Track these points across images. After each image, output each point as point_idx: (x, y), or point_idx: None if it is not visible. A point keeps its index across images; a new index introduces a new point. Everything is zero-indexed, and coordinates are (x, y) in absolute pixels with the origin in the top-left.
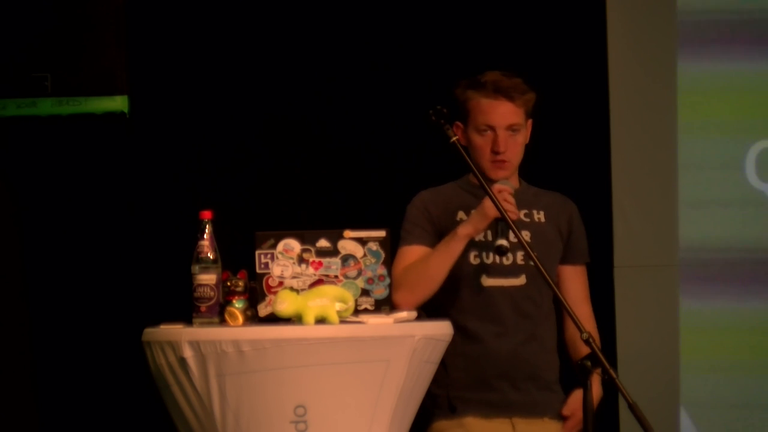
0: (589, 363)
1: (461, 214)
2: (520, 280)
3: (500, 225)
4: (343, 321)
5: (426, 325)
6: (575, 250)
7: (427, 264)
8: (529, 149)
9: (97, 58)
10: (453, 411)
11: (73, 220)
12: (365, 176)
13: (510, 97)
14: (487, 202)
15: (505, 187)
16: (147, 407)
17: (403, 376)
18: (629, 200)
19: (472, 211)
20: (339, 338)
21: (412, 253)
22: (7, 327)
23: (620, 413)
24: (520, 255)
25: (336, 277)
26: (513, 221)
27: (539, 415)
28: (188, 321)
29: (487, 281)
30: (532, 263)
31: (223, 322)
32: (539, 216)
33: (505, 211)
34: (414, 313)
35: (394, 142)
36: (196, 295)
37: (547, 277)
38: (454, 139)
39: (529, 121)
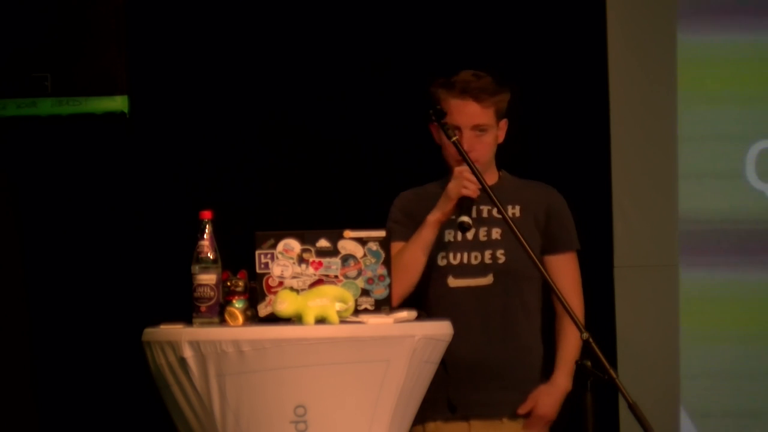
0: (589, 363)
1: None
2: (487, 280)
3: (465, 203)
4: (343, 321)
5: (426, 325)
6: (555, 239)
7: (402, 255)
8: (530, 148)
9: (97, 58)
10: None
11: (73, 220)
12: (365, 176)
13: (477, 98)
14: (450, 185)
15: (465, 168)
16: (147, 407)
17: (403, 376)
18: (629, 200)
19: (438, 201)
20: (339, 338)
21: (392, 249)
22: (7, 327)
23: (620, 413)
24: (487, 254)
25: (336, 277)
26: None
27: (497, 416)
28: (188, 321)
29: (454, 282)
30: (500, 261)
31: (223, 322)
32: (514, 211)
33: (464, 188)
34: (414, 313)
35: (394, 142)
36: (196, 295)
37: (537, 263)
38: (454, 139)
39: (503, 121)
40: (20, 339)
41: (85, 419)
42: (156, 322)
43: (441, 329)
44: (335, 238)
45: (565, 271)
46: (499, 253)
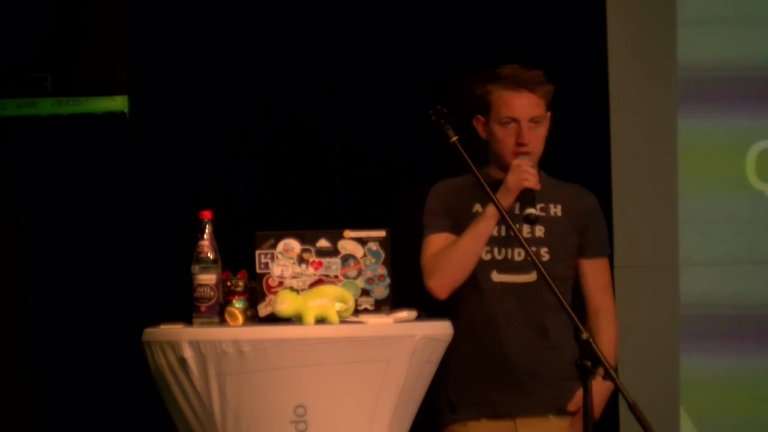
0: (589, 363)
1: (477, 206)
2: (531, 277)
3: (526, 195)
4: (343, 321)
5: (426, 325)
6: (593, 244)
7: (458, 247)
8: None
9: (97, 58)
10: (454, 411)
11: (73, 220)
12: (365, 176)
13: (531, 89)
14: (510, 177)
15: (524, 161)
16: (147, 407)
17: (403, 376)
18: (629, 200)
19: (497, 193)
20: (339, 338)
21: (437, 240)
22: (7, 327)
23: (620, 413)
24: (532, 250)
25: (336, 277)
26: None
27: (543, 413)
28: (188, 321)
29: (498, 277)
30: (544, 259)
31: (223, 322)
32: (556, 210)
33: (525, 180)
34: (414, 313)
35: (395, 141)
36: (196, 295)
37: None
38: (454, 138)
39: (549, 113)
40: (20, 339)
41: (85, 419)
42: (156, 322)
43: (441, 329)
44: (335, 238)
45: (601, 275)
46: (543, 251)
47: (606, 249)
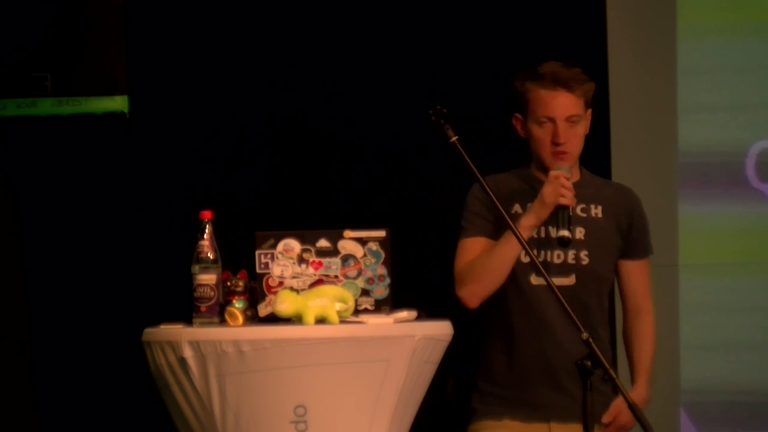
0: (589, 363)
1: (517, 207)
2: (570, 280)
3: (561, 214)
4: (343, 321)
5: (426, 325)
6: (636, 245)
7: (491, 257)
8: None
9: (97, 58)
10: (493, 408)
11: (73, 220)
12: (365, 176)
13: (569, 88)
14: (546, 190)
15: (561, 172)
16: (147, 407)
17: (403, 376)
18: None
19: (533, 204)
20: (339, 338)
21: (473, 245)
22: (7, 327)
23: None
24: (571, 254)
25: (336, 277)
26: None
27: (578, 419)
28: (188, 321)
29: (536, 280)
30: (584, 262)
31: (223, 322)
32: (596, 211)
33: (562, 196)
34: (414, 313)
35: (395, 141)
36: (196, 295)
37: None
38: (454, 139)
39: (589, 111)
40: (20, 339)
41: (85, 419)
42: (156, 322)
43: (441, 329)
44: (335, 238)
45: (642, 276)
46: (583, 254)
47: (648, 249)
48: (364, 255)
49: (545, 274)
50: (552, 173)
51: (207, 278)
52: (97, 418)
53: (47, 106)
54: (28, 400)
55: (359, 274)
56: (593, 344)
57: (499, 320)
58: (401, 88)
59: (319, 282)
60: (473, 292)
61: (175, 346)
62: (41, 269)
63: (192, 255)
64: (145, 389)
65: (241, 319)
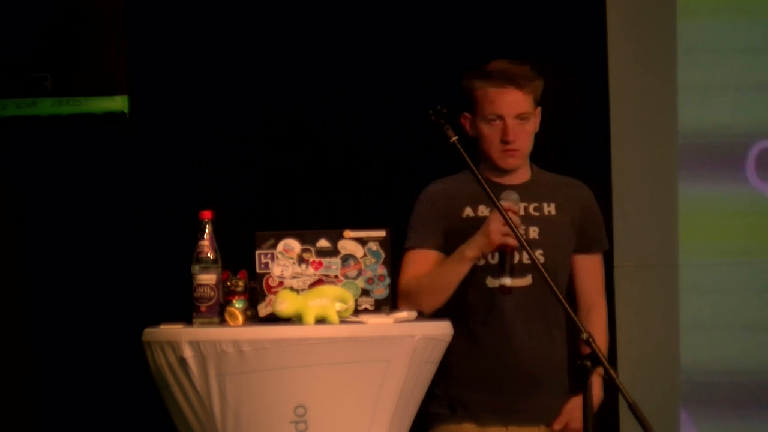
0: (589, 363)
1: (468, 210)
2: (526, 281)
3: (504, 258)
4: (343, 321)
5: (426, 325)
6: (589, 240)
7: (433, 282)
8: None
9: (97, 58)
10: (453, 411)
11: (73, 220)
12: (365, 176)
13: (518, 85)
14: (492, 227)
15: (510, 203)
16: (147, 407)
17: (403, 376)
18: (629, 200)
19: (478, 234)
20: (339, 338)
21: (421, 258)
22: (7, 327)
23: (620, 413)
24: (526, 255)
25: (336, 277)
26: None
27: (535, 422)
28: (188, 321)
29: (492, 282)
30: (540, 262)
31: (223, 322)
32: (549, 209)
33: (506, 234)
34: (414, 313)
35: (395, 141)
36: (196, 295)
37: (554, 288)
38: (454, 138)
39: (538, 109)
40: (20, 339)
41: (85, 419)
42: (156, 322)
43: (441, 329)
44: (335, 238)
45: (594, 271)
46: (538, 253)
47: (602, 244)
48: (364, 255)
49: (543, 273)
50: (504, 203)
51: (207, 278)
52: (97, 417)
53: (47, 106)
54: (29, 399)
55: (359, 274)
56: (593, 344)
57: (457, 323)
58: (401, 88)
59: (319, 282)
60: (417, 309)
61: (175, 346)
62: (41, 269)
63: (192, 255)
64: (145, 389)
65: (241, 319)
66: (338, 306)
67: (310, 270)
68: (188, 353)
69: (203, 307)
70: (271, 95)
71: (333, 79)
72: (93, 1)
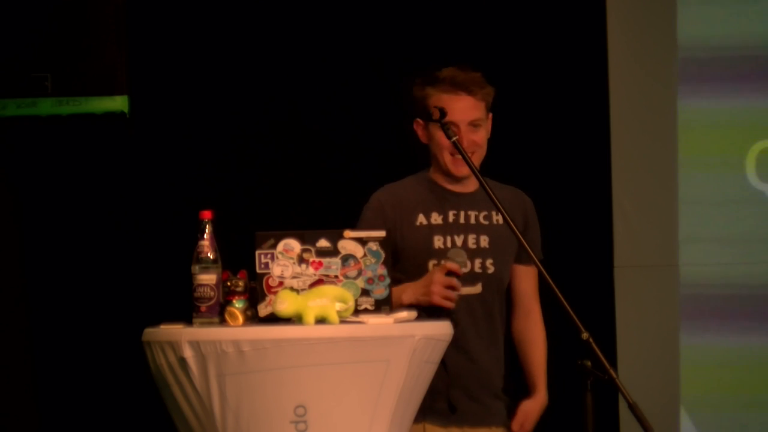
0: (589, 363)
1: (421, 217)
2: (476, 288)
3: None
4: (343, 321)
5: (426, 325)
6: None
7: None
8: (530, 148)
9: (97, 58)
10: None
11: (73, 220)
12: (365, 176)
13: (469, 92)
14: (436, 288)
15: (456, 267)
16: (147, 407)
17: (403, 376)
18: (629, 200)
19: (419, 284)
20: (339, 338)
21: None
22: (7, 327)
23: (620, 413)
24: (477, 262)
25: (336, 277)
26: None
27: (488, 424)
28: (188, 321)
29: None
30: (490, 271)
31: (223, 322)
32: (498, 218)
33: (448, 299)
34: (414, 313)
35: (395, 141)
36: (196, 295)
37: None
38: (454, 139)
39: (490, 116)
40: (20, 339)
41: (85, 419)
42: (156, 322)
43: (441, 329)
44: (335, 238)
45: (533, 279)
46: (489, 262)
47: (539, 254)
48: (364, 255)
49: (545, 272)
50: (448, 264)
51: (207, 278)
52: (97, 417)
53: (47, 106)
54: (29, 399)
55: (359, 274)
56: (593, 344)
57: None
58: (400, 88)
59: (319, 282)
60: None
61: (175, 346)
62: (41, 269)
63: (192, 255)
64: (145, 389)
65: (241, 319)
66: (338, 306)
67: (310, 270)
68: (188, 353)
69: (203, 307)
70: (271, 95)
71: (333, 79)
72: (93, 1)
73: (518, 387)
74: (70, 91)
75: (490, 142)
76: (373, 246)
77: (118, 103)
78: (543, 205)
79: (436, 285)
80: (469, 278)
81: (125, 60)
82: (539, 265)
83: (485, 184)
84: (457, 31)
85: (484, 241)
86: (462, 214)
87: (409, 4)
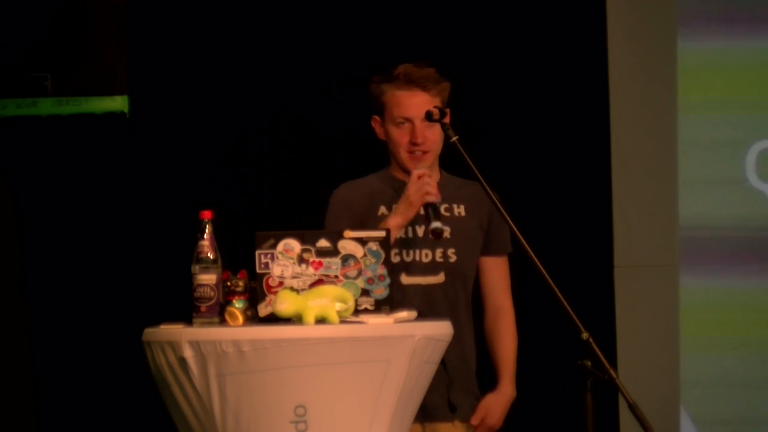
0: (589, 363)
1: (383, 209)
2: (439, 278)
3: (430, 208)
4: (343, 321)
5: (426, 325)
6: (495, 241)
7: None
8: (531, 148)
9: (97, 58)
10: None
11: (73, 220)
12: (365, 176)
13: (424, 87)
14: (411, 190)
15: (424, 170)
16: (147, 407)
17: (403, 376)
18: (629, 200)
19: (399, 203)
20: (339, 338)
21: None
22: (7, 327)
23: (620, 413)
24: (438, 252)
25: (336, 277)
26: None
27: (448, 418)
28: (188, 321)
29: (407, 279)
30: (452, 260)
31: (223, 322)
32: (459, 210)
33: (427, 194)
34: (414, 313)
35: None
36: (196, 295)
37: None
38: (455, 138)
39: (447, 111)
40: (20, 339)
41: (85, 419)
42: (156, 322)
43: (441, 329)
44: (335, 238)
45: (501, 273)
46: (450, 252)
47: (507, 247)
48: (364, 255)
49: (545, 272)
50: (415, 172)
51: (207, 278)
52: (98, 417)
53: (47, 106)
54: (29, 399)
55: (359, 274)
56: (593, 344)
57: None
58: None
59: (319, 282)
60: None
61: (175, 346)
62: (41, 269)
63: (192, 255)
64: (145, 389)
65: (241, 319)
66: (338, 306)
67: (310, 270)
68: (188, 353)
69: (203, 307)
70: (271, 95)
71: (333, 79)
72: (93, 1)
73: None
74: (70, 91)
75: (491, 141)
76: (373, 246)
77: (118, 103)
78: (543, 205)
79: (411, 186)
80: (432, 268)
81: (125, 60)
82: (539, 265)
83: (484, 183)
84: (457, 31)
85: (446, 231)
86: (430, 209)
87: (409, 4)
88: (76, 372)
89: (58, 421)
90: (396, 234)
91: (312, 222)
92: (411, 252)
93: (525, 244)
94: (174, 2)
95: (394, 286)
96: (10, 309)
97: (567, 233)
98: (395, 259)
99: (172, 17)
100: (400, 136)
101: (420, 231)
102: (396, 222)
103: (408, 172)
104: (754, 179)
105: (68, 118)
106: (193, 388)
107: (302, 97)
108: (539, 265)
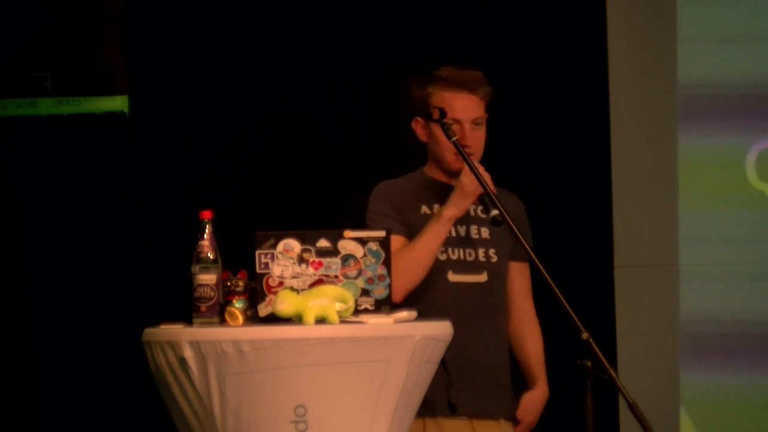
0: (589, 363)
1: (424, 208)
2: (483, 277)
3: (486, 199)
4: (343, 321)
5: (426, 325)
6: (521, 247)
7: (414, 250)
8: (531, 148)
9: (97, 58)
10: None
11: (73, 220)
12: (365, 176)
13: (472, 90)
14: (466, 180)
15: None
16: (147, 407)
17: (403, 376)
18: (629, 200)
19: (452, 194)
20: (339, 338)
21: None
22: (7, 327)
23: (620, 413)
24: (481, 252)
25: (336, 277)
26: (493, 197)
27: (496, 416)
28: (188, 321)
29: (453, 277)
30: (493, 260)
31: (223, 322)
32: (495, 214)
33: (487, 184)
34: (414, 313)
35: (395, 141)
36: (196, 295)
37: (533, 256)
38: (455, 138)
39: (486, 116)
40: (20, 339)
41: (85, 419)
42: (156, 322)
43: (441, 329)
44: (335, 238)
45: (525, 278)
46: (491, 252)
47: (529, 252)
48: (364, 255)
49: (545, 272)
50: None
51: (207, 278)
52: (98, 417)
53: (47, 106)
54: (29, 399)
55: (359, 274)
56: (593, 344)
57: (419, 316)
58: (401, 87)
59: (319, 282)
60: (401, 285)
61: (175, 346)
62: (41, 269)
63: (192, 255)
64: (145, 389)
65: (241, 319)
66: (338, 306)
67: (310, 270)
68: (188, 353)
69: (203, 307)
70: (271, 95)
71: (333, 79)
72: (93, 1)
73: (516, 382)
74: (70, 91)
75: (491, 142)
76: (373, 246)
77: (118, 103)
78: (543, 205)
79: (466, 178)
80: (476, 267)
81: (125, 60)
82: (539, 265)
83: (484, 183)
84: (457, 31)
85: (485, 232)
86: (474, 208)
87: (408, 4)
88: (76, 372)
89: (58, 421)
90: (450, 225)
91: (312, 222)
92: (456, 250)
93: (525, 244)
94: (174, 2)
95: (441, 283)
96: (10, 309)
97: (567, 233)
98: (442, 257)
99: (172, 17)
100: (445, 141)
101: (462, 231)
102: (452, 213)
103: (450, 173)
104: (754, 179)
105: (68, 118)
106: (193, 388)
107: (302, 98)
108: (539, 265)
